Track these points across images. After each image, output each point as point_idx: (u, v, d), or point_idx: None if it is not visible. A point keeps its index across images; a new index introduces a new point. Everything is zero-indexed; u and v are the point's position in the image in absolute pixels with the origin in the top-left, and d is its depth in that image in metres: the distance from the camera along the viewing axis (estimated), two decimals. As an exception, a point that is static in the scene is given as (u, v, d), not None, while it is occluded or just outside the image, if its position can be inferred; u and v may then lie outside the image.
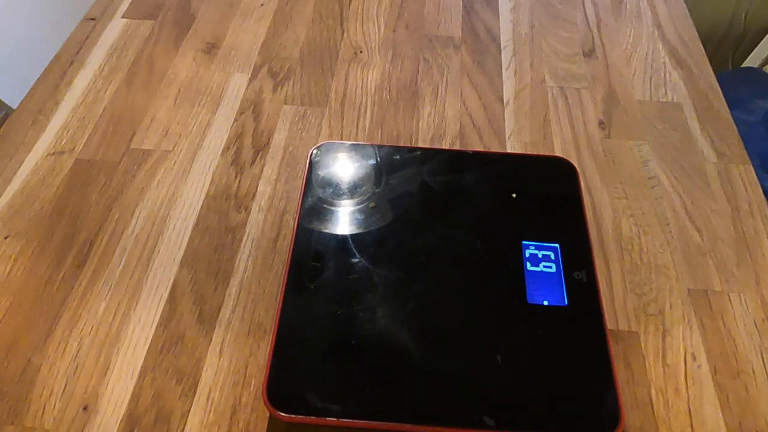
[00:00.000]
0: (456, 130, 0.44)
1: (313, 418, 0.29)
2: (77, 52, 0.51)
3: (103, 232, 0.38)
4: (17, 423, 0.30)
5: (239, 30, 0.53)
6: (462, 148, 0.43)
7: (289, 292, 0.33)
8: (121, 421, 0.30)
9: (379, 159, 0.40)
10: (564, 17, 0.54)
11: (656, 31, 0.53)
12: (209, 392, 0.31)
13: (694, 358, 0.33)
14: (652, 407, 0.31)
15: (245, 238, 0.38)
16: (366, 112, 0.46)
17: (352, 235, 0.36)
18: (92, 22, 0.54)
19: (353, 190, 0.39)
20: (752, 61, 0.93)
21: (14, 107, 0.48)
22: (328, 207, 0.38)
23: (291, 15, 0.55)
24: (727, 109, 0.46)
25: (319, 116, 0.45)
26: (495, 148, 0.43)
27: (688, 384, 0.32)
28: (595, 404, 0.29)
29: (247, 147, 0.43)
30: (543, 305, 0.33)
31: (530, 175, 0.39)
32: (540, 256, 0.34)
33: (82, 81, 0.49)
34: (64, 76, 0.49)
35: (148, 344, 0.33)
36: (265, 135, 0.44)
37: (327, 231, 0.36)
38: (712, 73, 0.49)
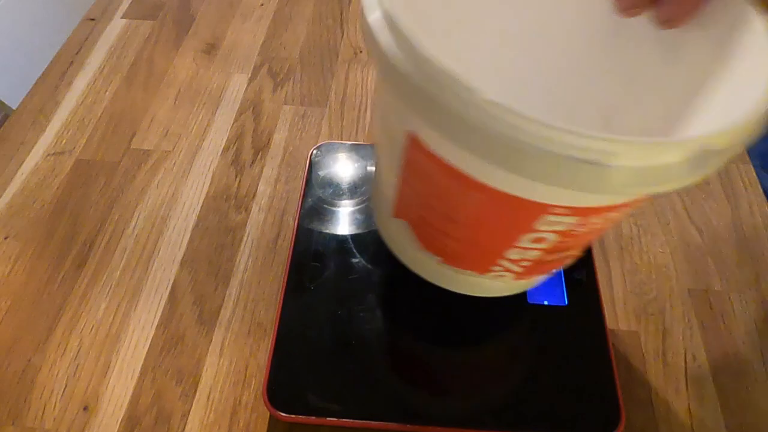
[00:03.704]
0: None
1: (313, 418, 0.29)
2: (77, 53, 0.51)
3: (103, 233, 0.38)
4: (17, 423, 0.30)
5: (239, 30, 0.53)
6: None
7: (289, 292, 0.33)
8: (121, 421, 0.30)
9: (379, 159, 0.40)
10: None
11: (656, 31, 0.53)
12: (209, 392, 0.31)
13: (694, 358, 0.33)
14: (652, 407, 0.31)
15: (245, 238, 0.38)
16: (366, 112, 0.46)
17: (352, 235, 0.36)
18: (92, 23, 0.54)
19: (353, 190, 0.39)
20: (752, 61, 0.93)
21: (14, 107, 0.48)
22: (328, 207, 0.38)
23: (291, 15, 0.55)
24: (727, 109, 0.46)
25: (319, 116, 0.45)
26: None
27: (688, 384, 0.32)
28: (595, 404, 0.29)
29: (247, 147, 0.43)
30: (543, 305, 0.33)
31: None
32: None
33: (82, 81, 0.49)
34: (64, 77, 0.49)
35: (148, 344, 0.33)
36: (265, 135, 0.44)
37: (327, 231, 0.36)
38: (712, 73, 0.49)
